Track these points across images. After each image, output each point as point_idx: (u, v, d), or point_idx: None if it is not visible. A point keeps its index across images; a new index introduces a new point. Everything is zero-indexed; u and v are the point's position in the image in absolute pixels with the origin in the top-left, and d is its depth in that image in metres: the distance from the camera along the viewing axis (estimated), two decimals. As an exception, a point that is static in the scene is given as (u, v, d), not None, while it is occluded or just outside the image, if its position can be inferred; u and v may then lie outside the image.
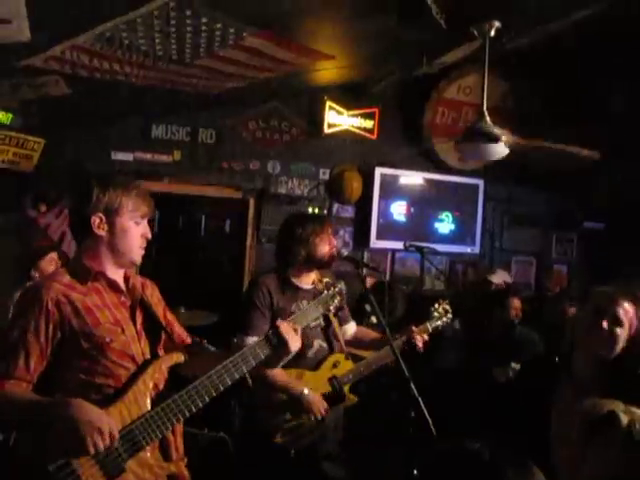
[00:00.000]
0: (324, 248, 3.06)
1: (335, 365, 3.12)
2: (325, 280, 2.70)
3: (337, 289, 2.53)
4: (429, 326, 3.33)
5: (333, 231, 3.19)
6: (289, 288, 3.09)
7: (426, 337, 3.21)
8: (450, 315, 3.43)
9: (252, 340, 2.88)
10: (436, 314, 3.39)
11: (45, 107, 4.41)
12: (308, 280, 3.15)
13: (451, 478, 1.31)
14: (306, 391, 2.90)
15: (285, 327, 2.09)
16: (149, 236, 2.08)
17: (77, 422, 1.72)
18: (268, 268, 3.32)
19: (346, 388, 3.11)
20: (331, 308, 2.49)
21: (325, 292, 2.49)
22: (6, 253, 4.52)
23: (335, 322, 3.21)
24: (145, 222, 2.07)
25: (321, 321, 3.12)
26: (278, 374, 2.87)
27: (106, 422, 1.76)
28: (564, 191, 6.64)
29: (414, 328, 3.21)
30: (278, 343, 2.08)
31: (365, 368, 3.18)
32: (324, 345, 3.12)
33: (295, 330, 2.12)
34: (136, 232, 2.04)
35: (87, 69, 3.63)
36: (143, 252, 2.08)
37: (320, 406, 2.94)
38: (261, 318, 2.97)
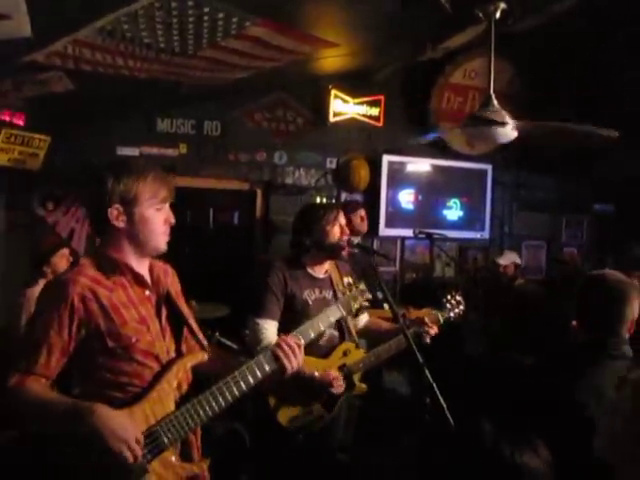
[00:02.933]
0: (334, 235, 3.06)
1: (345, 353, 3.11)
2: (347, 280, 2.66)
3: (359, 290, 2.50)
4: (440, 317, 3.30)
5: (346, 219, 3.20)
6: (303, 276, 3.10)
7: (436, 329, 3.19)
8: (462, 307, 3.40)
9: (265, 323, 2.92)
10: (448, 305, 3.36)
11: (49, 104, 4.39)
12: (321, 270, 3.17)
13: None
14: (317, 374, 2.89)
15: (284, 348, 1.99)
16: (172, 221, 2.00)
17: (101, 432, 1.68)
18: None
19: (356, 377, 3.11)
20: (353, 310, 2.46)
21: (347, 293, 2.46)
22: (15, 251, 4.53)
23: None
24: (166, 206, 1.99)
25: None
26: None
27: (131, 431, 1.73)
28: (573, 174, 6.59)
29: (426, 318, 3.19)
30: (276, 360, 2.00)
31: (375, 358, 3.18)
32: (335, 334, 3.12)
33: (298, 346, 2.03)
34: (158, 219, 1.96)
35: (90, 64, 3.61)
36: (167, 238, 2.01)
37: (337, 382, 2.94)
38: (275, 302, 2.98)
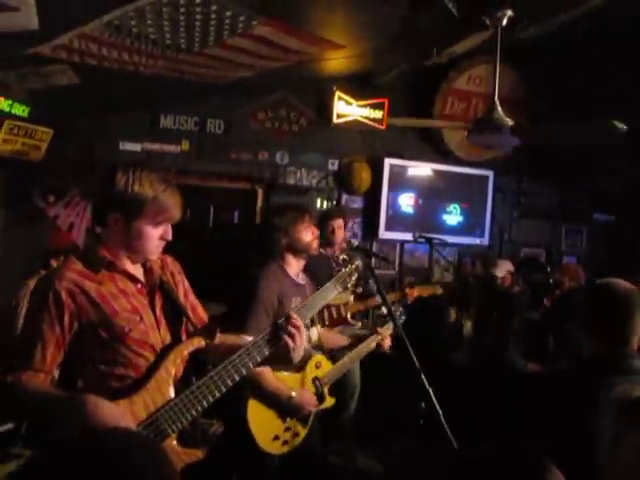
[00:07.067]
0: (306, 237, 3.09)
1: (317, 366, 3.12)
2: (342, 257, 2.65)
3: (354, 266, 2.48)
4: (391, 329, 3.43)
5: (314, 221, 3.21)
6: (289, 283, 3.10)
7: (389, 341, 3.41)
8: (404, 315, 3.62)
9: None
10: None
11: (53, 97, 4.39)
12: (298, 274, 3.19)
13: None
14: (294, 393, 2.87)
15: (289, 328, 1.97)
16: (169, 238, 1.97)
17: (92, 422, 1.67)
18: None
19: (325, 389, 3.12)
20: (349, 286, 2.45)
21: (343, 270, 2.45)
22: (15, 242, 4.53)
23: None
24: (167, 224, 1.96)
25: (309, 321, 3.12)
26: (268, 379, 2.81)
27: (122, 421, 1.72)
28: (574, 183, 6.59)
29: (379, 329, 3.38)
30: (281, 339, 1.98)
31: (343, 368, 3.26)
32: (307, 346, 3.11)
33: (298, 327, 2.00)
34: (154, 235, 1.93)
35: (95, 58, 3.61)
36: (160, 249, 2.00)
37: (311, 402, 2.95)
38: (265, 318, 2.90)
